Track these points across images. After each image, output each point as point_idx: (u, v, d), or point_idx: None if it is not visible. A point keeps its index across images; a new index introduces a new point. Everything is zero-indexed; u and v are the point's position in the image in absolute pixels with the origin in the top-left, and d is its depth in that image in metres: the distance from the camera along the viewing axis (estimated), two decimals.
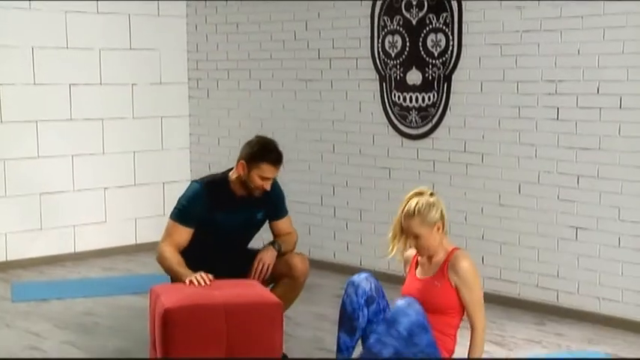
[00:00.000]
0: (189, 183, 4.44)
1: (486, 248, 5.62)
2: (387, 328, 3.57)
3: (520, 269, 5.47)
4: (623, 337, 4.87)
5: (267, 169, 4.20)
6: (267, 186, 4.23)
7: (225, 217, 4.23)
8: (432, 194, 3.79)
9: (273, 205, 4.42)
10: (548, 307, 5.33)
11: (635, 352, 4.63)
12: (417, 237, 3.76)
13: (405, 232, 3.78)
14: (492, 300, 5.26)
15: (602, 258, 5.10)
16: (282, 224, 4.47)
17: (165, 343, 3.61)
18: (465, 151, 5.71)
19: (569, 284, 5.26)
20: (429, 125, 5.88)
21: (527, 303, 5.43)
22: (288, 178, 6.79)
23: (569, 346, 4.75)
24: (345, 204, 6.46)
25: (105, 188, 7.10)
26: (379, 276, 6.10)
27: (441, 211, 3.78)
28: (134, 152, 7.26)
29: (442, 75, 5.77)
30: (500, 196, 5.55)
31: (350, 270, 6.32)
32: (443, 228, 3.79)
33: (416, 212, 3.74)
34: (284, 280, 4.27)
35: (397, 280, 6.03)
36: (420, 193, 3.79)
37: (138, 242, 7.23)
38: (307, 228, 6.68)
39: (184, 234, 4.19)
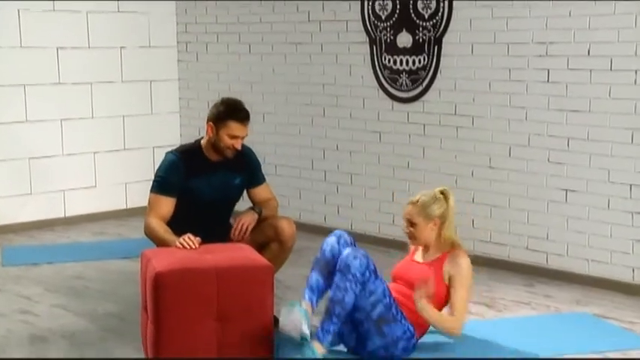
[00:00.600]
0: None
1: (476, 211, 5.64)
2: (342, 275, 3.71)
3: (510, 232, 5.50)
4: (611, 298, 4.91)
5: (234, 127, 4.21)
6: (238, 145, 4.24)
7: (202, 183, 4.25)
8: (444, 192, 3.96)
9: (249, 171, 4.43)
10: (537, 269, 5.37)
11: (622, 312, 4.67)
12: (412, 224, 3.96)
13: (404, 216, 3.98)
14: (482, 262, 5.29)
15: (591, 220, 5.12)
16: (260, 191, 4.48)
17: (156, 307, 3.62)
18: (455, 114, 5.70)
19: (559, 246, 5.29)
20: (420, 88, 5.86)
21: (517, 265, 5.46)
22: (279, 141, 6.80)
23: (557, 307, 4.79)
24: (335, 168, 6.46)
25: (94, 153, 7.08)
26: (369, 239, 6.16)
27: (444, 211, 3.93)
28: (123, 116, 7.22)
29: (433, 37, 5.74)
30: (490, 159, 5.56)
31: None
32: (441, 227, 3.95)
33: (418, 201, 3.96)
34: (272, 244, 4.29)
35: (386, 244, 6.08)
36: (439, 191, 3.98)
37: (128, 207, 7.23)
38: (298, 192, 6.69)
39: (167, 204, 4.21)
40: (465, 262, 3.94)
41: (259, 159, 4.58)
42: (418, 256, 4.08)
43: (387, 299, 3.78)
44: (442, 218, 3.95)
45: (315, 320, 3.81)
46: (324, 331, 3.70)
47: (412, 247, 4.18)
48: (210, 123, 4.26)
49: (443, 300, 3.94)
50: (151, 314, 3.66)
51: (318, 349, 3.67)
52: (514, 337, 4.21)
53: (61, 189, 6.91)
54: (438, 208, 3.94)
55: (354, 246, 3.93)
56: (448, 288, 3.92)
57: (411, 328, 3.85)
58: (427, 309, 3.77)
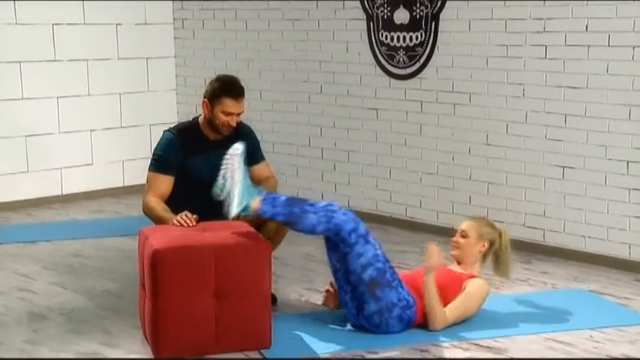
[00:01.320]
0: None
1: (473, 188, 5.64)
2: (325, 208, 3.83)
3: (507, 209, 5.50)
4: (607, 275, 4.93)
5: (229, 104, 4.19)
6: (233, 122, 4.23)
7: (200, 162, 4.24)
8: (501, 231, 4.18)
9: (248, 149, 4.40)
10: (534, 246, 5.38)
11: (618, 288, 4.69)
12: (464, 236, 4.13)
13: (460, 227, 4.19)
14: None
15: (588, 196, 5.13)
16: (259, 169, 4.46)
17: (154, 284, 3.62)
18: (452, 90, 5.69)
19: (556, 223, 5.30)
20: (417, 65, 5.84)
21: (514, 242, 5.37)
22: (276, 119, 6.78)
23: (554, 284, 4.80)
24: (332, 145, 6.45)
25: (91, 130, 7.06)
26: (366, 216, 6.16)
27: (492, 241, 4.13)
28: (120, 94, 7.20)
29: (430, 14, 5.71)
30: (487, 136, 5.55)
31: None
32: (484, 255, 4.15)
33: (477, 219, 4.27)
34: (270, 222, 4.27)
35: (383, 221, 6.10)
36: (499, 227, 4.23)
37: (125, 185, 7.23)
38: (295, 169, 6.69)
39: (165, 183, 4.21)
40: (484, 289, 4.06)
41: (257, 136, 4.56)
42: (453, 267, 4.19)
43: (381, 264, 3.84)
44: (491, 245, 4.14)
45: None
46: (268, 201, 3.76)
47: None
48: (205, 100, 4.25)
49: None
50: (149, 292, 3.67)
51: (256, 201, 3.72)
52: (511, 314, 4.23)
53: (58, 167, 6.90)
54: (490, 233, 4.15)
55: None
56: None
57: (409, 299, 3.89)
58: (432, 282, 3.89)
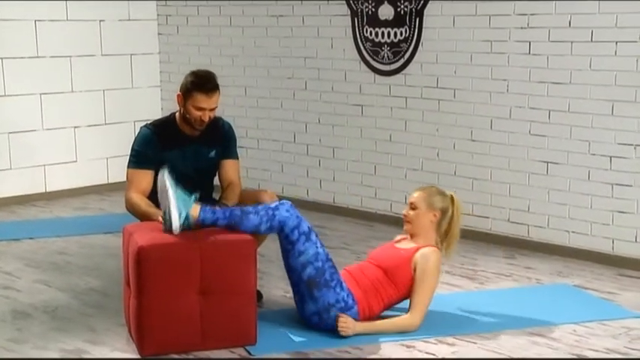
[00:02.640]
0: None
1: (458, 184, 5.66)
2: (267, 207, 3.86)
3: (491, 204, 5.52)
4: (591, 269, 4.96)
5: (200, 99, 4.15)
6: (205, 117, 4.19)
7: (176, 156, 4.22)
8: (452, 196, 4.03)
9: (223, 144, 4.39)
10: (518, 241, 5.41)
11: (602, 283, 4.72)
12: (413, 208, 4.00)
13: (409, 199, 4.04)
14: (464, 235, 5.25)
15: (572, 192, 5.15)
16: (228, 166, 4.39)
17: (138, 281, 3.61)
18: (437, 86, 5.70)
19: (540, 218, 5.32)
20: (402, 61, 5.85)
21: (499, 237, 5.49)
22: (260, 115, 6.77)
23: (538, 279, 4.83)
24: (317, 141, 6.45)
25: (75, 127, 7.03)
26: (352, 212, 6.20)
27: (444, 209, 3.99)
28: (104, 90, 7.17)
29: (414, 9, 5.72)
30: (472, 132, 5.56)
31: (323, 207, 6.35)
32: (438, 224, 3.99)
33: (426, 189, 4.08)
34: None
35: (368, 217, 6.11)
36: (450, 193, 4.08)
37: (110, 181, 7.20)
38: (280, 166, 6.68)
39: (146, 177, 4.18)
40: (434, 258, 3.92)
41: (242, 132, 4.54)
42: (401, 244, 4.09)
43: (320, 264, 3.81)
44: (443, 213, 4.00)
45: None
46: (207, 208, 3.74)
47: (400, 236, 4.17)
48: (179, 94, 4.23)
49: (405, 287, 3.93)
50: (134, 289, 3.66)
51: (195, 209, 3.71)
52: (496, 309, 4.24)
53: (41, 164, 6.87)
54: (441, 202, 4.00)
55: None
56: (412, 277, 3.91)
57: (348, 300, 3.85)
58: (369, 328, 3.84)
